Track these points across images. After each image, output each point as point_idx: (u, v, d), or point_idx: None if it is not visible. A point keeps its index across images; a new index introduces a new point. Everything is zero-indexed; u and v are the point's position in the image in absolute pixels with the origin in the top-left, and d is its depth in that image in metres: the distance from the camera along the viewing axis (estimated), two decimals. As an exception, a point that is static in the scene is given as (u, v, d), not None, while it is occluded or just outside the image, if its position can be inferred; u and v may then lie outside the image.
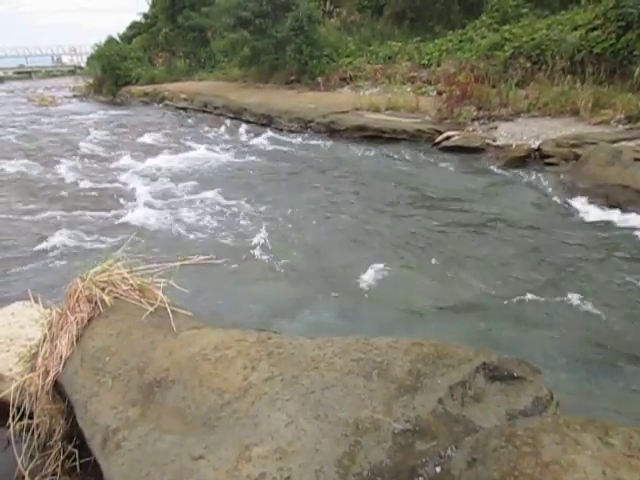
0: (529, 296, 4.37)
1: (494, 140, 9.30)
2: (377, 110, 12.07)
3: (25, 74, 55.91)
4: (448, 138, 9.84)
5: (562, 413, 1.79)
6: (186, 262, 2.63)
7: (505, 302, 4.30)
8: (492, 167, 8.50)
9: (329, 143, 11.23)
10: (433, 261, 5.14)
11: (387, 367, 1.79)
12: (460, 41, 14.93)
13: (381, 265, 4.92)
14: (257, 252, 5.36)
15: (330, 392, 1.73)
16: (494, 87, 11.25)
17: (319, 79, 16.25)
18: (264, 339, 2.03)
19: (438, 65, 14.10)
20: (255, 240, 5.61)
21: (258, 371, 1.85)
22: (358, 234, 5.96)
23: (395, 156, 9.75)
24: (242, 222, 6.36)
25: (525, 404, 1.76)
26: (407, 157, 9.62)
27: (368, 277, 4.73)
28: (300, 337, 2.04)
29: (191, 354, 2.04)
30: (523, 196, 7.11)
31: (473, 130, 10.03)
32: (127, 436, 1.90)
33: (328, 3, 19.37)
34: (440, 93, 11.87)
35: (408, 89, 13.62)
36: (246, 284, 4.72)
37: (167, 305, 2.46)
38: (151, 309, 2.45)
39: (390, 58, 16.28)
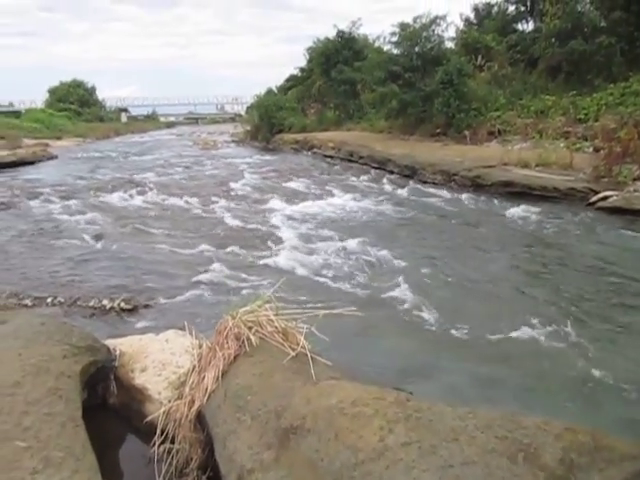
0: None
1: (660, 203, 8.46)
2: (526, 166, 11.61)
3: (193, 120, 63.40)
4: (605, 198, 9.14)
5: None
6: (329, 311, 2.69)
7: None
8: (658, 233, 7.71)
9: (473, 197, 10.99)
10: (586, 332, 4.70)
11: (535, 451, 1.64)
12: (622, 95, 14.06)
13: (526, 331, 4.60)
14: (395, 305, 5.31)
15: (470, 469, 1.62)
16: (662, 144, 10.30)
17: (466, 132, 16.14)
18: (402, 400, 1.98)
19: (596, 120, 13.37)
20: (395, 293, 5.57)
21: (395, 434, 1.79)
22: (500, 295, 5.67)
23: (544, 215, 9.22)
24: (383, 273, 6.35)
25: (702, 521, 1.51)
26: (558, 217, 9.06)
27: (510, 343, 4.45)
28: (440, 403, 1.96)
29: (328, 405, 2.04)
30: (695, 267, 6.32)
31: (635, 191, 9.21)
32: (260, 479, 1.94)
33: (480, 57, 19.38)
34: (598, 150, 11.16)
35: (561, 145, 12.97)
36: (382, 337, 4.67)
37: (308, 352, 2.51)
38: (293, 354, 2.51)
39: (542, 112, 15.74)
